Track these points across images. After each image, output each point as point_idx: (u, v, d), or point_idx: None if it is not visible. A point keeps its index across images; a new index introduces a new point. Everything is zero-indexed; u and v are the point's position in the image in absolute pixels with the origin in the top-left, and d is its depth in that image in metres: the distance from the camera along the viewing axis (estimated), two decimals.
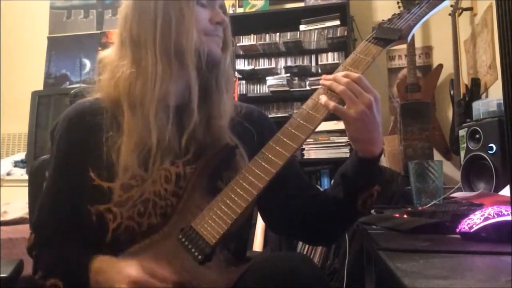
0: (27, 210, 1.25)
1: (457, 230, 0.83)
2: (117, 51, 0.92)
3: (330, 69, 3.05)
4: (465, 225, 0.81)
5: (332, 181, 0.96)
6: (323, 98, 0.81)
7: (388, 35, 0.88)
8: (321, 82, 0.84)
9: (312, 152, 2.94)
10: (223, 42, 0.95)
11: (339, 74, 0.82)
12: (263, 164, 0.78)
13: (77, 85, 3.60)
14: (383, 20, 0.94)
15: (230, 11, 3.27)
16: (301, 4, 3.25)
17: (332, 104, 0.80)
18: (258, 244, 2.04)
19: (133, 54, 0.89)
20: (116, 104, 0.89)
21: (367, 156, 0.86)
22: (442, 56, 3.04)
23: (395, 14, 0.95)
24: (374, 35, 0.88)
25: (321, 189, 1.03)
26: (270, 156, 0.79)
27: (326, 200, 0.93)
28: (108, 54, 0.94)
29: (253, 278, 0.72)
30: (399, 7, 2.74)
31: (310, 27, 3.13)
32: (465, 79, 2.87)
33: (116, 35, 0.94)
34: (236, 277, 0.76)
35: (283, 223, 0.99)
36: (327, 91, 0.82)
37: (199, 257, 0.74)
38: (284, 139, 0.80)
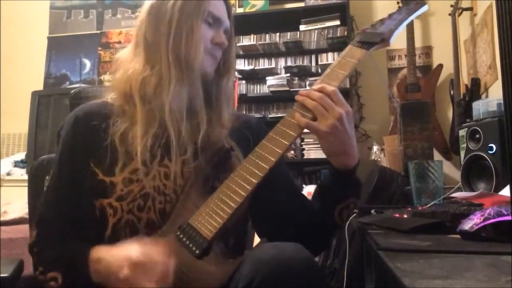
0: (27, 210, 1.25)
1: (457, 230, 0.83)
2: (131, 51, 0.98)
3: None
4: (465, 225, 0.81)
5: (312, 193, 0.99)
6: (297, 115, 0.85)
7: (371, 38, 0.94)
8: (296, 97, 0.88)
9: (312, 152, 2.94)
10: (224, 64, 1.01)
11: (314, 88, 0.86)
12: (257, 161, 0.82)
13: (77, 85, 3.61)
14: (366, 26, 1.01)
15: None
16: (301, 4, 3.25)
17: (304, 121, 0.84)
18: None
19: (147, 54, 0.95)
20: (126, 97, 0.94)
21: (342, 168, 0.89)
22: (442, 56, 3.04)
23: (377, 20, 1.02)
24: (358, 39, 0.95)
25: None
26: (263, 153, 0.83)
27: (309, 211, 0.96)
28: (123, 54, 1.00)
29: (248, 266, 0.74)
30: (399, 7, 2.74)
31: (310, 27, 3.13)
32: (465, 79, 2.87)
33: (132, 37, 1.01)
34: (233, 268, 0.79)
35: (270, 231, 1.00)
36: (302, 107, 0.86)
37: (197, 251, 0.76)
38: (276, 137, 0.84)
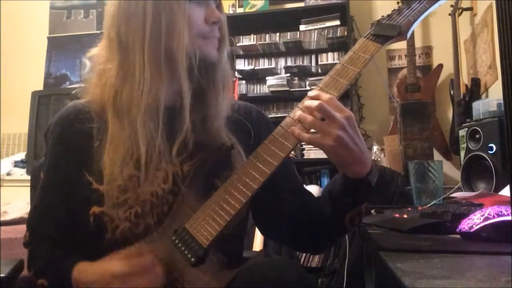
0: (27, 210, 1.25)
1: (457, 230, 0.83)
2: (105, 52, 0.89)
3: (330, 69, 3.03)
4: (465, 225, 0.81)
5: (321, 193, 0.93)
6: (296, 131, 0.77)
7: (387, 31, 0.85)
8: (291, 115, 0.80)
9: (312, 152, 2.94)
10: (219, 41, 0.90)
11: (309, 96, 0.79)
12: (258, 164, 0.77)
13: (77, 85, 3.60)
14: (382, 16, 0.91)
15: (230, 11, 3.27)
16: (301, 4, 3.25)
17: (305, 136, 0.76)
18: (258, 244, 2.04)
19: (120, 58, 0.85)
20: (103, 111, 0.87)
21: (354, 177, 0.82)
22: (442, 56, 3.04)
23: (394, 9, 0.91)
24: (373, 32, 0.86)
25: (314, 195, 1.00)
26: (265, 156, 0.78)
27: (316, 210, 0.91)
28: (96, 53, 0.91)
29: (241, 284, 0.72)
30: (399, 7, 2.74)
31: (310, 27, 3.13)
32: (465, 79, 2.87)
33: (104, 34, 0.89)
34: (228, 280, 0.76)
35: (273, 228, 0.98)
36: (297, 121, 0.78)
37: (192, 259, 0.73)
38: (280, 139, 0.79)
